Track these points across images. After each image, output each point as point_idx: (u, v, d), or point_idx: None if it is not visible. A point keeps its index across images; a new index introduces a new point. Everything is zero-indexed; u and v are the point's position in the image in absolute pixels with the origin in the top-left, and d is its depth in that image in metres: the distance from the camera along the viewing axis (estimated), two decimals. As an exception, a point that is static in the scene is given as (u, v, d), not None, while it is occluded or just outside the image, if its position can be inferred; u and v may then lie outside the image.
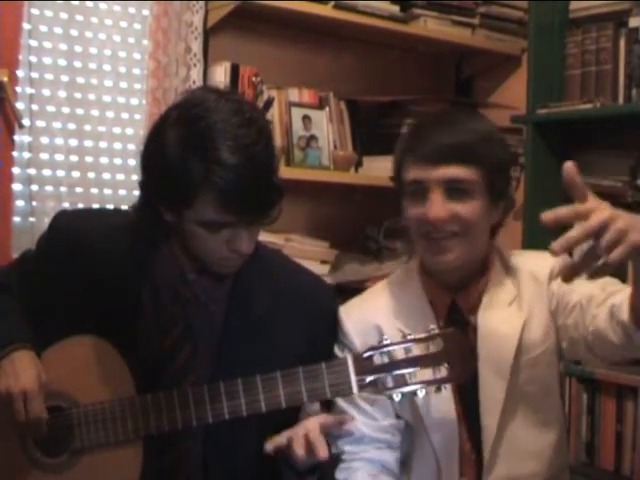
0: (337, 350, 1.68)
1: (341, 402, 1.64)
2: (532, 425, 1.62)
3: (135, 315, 1.51)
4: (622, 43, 2.41)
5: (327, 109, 2.66)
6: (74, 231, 1.57)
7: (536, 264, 1.67)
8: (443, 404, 1.58)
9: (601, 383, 2.37)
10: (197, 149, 1.36)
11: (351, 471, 1.60)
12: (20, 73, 2.20)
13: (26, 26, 2.22)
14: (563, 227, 2.78)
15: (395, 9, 2.68)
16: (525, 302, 1.63)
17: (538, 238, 2.49)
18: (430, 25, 2.76)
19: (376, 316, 1.66)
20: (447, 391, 1.55)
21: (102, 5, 2.38)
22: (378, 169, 2.69)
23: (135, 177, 2.42)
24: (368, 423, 1.62)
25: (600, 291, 1.52)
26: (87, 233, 1.56)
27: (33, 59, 2.25)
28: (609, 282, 1.55)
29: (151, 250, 1.54)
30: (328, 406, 1.62)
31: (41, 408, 1.44)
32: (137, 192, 2.40)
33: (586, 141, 2.57)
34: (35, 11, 2.26)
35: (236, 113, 1.39)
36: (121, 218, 1.62)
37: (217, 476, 1.51)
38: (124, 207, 1.59)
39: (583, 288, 1.56)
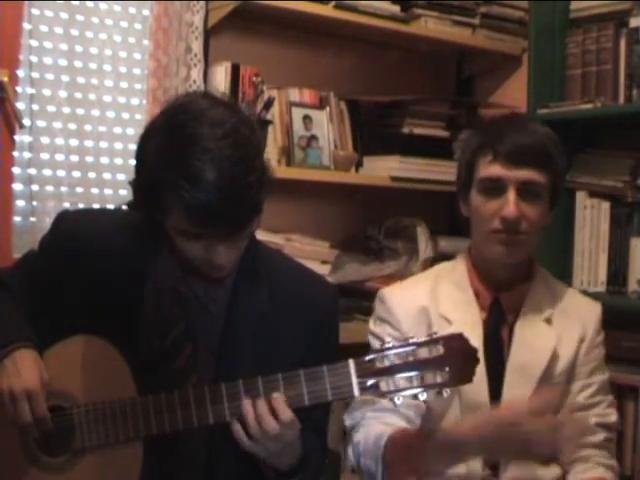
0: (374, 326, 1.73)
1: None
2: None
3: (137, 314, 1.51)
4: (623, 43, 2.41)
5: (327, 109, 2.66)
6: (75, 231, 1.57)
7: (583, 307, 1.75)
8: (480, 397, 1.61)
9: (601, 383, 2.37)
10: (171, 161, 1.34)
11: (368, 427, 1.61)
12: (21, 73, 2.20)
13: (26, 26, 2.22)
14: (563, 229, 2.78)
15: (396, 9, 2.68)
16: (559, 326, 1.69)
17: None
18: (431, 25, 2.76)
19: (422, 299, 1.70)
20: (483, 382, 1.61)
21: (103, 5, 2.38)
22: (379, 169, 2.69)
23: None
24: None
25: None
26: (88, 233, 1.55)
27: (34, 59, 2.25)
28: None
29: (152, 250, 1.53)
30: None
31: (44, 407, 1.44)
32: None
33: (587, 141, 2.57)
34: (35, 11, 2.25)
35: (220, 124, 1.36)
36: (122, 218, 1.62)
37: (224, 476, 1.50)
38: (124, 207, 1.59)
39: (599, 393, 1.71)
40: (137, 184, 1.43)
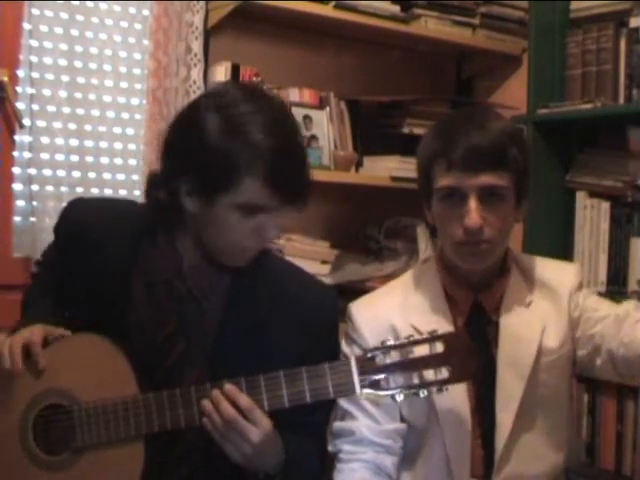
0: (344, 346, 1.69)
1: (345, 403, 1.64)
2: (542, 428, 1.64)
3: (125, 304, 1.52)
4: (623, 43, 2.41)
5: (327, 109, 2.66)
6: (78, 219, 1.61)
7: (556, 275, 1.70)
8: (458, 403, 1.59)
9: (602, 383, 2.37)
10: (240, 132, 1.40)
11: (348, 472, 1.60)
12: (21, 73, 2.20)
13: (26, 26, 2.22)
14: (563, 229, 2.78)
15: (396, 9, 2.68)
16: (541, 309, 1.66)
17: (538, 239, 2.50)
18: (431, 25, 2.76)
19: (390, 315, 1.66)
20: (462, 389, 1.58)
21: (102, 5, 2.37)
22: (378, 169, 2.69)
23: (136, 177, 2.46)
24: (371, 426, 1.62)
25: (634, 310, 1.58)
26: (89, 221, 1.58)
27: (34, 59, 2.25)
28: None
29: (149, 242, 1.55)
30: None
31: (18, 346, 1.45)
32: (138, 192, 2.43)
33: (587, 141, 2.57)
34: (35, 11, 2.25)
35: (268, 102, 1.46)
36: (129, 209, 1.67)
37: (223, 468, 1.49)
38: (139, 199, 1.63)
39: (612, 306, 1.65)
40: (191, 167, 1.44)
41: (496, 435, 1.60)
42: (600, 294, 2.37)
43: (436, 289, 1.67)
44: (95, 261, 1.54)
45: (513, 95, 2.83)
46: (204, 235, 1.49)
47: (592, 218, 2.46)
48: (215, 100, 1.46)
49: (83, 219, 1.59)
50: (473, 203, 1.54)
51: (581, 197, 2.49)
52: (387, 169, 2.67)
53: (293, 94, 2.62)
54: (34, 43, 2.25)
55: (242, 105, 1.43)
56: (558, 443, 1.67)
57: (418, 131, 2.72)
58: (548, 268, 1.73)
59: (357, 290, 2.59)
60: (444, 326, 1.59)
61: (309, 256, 2.52)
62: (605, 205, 2.44)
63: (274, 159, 1.40)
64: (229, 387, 1.40)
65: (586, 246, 2.47)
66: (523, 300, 1.66)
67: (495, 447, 1.60)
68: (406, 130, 2.71)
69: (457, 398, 1.59)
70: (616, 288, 2.39)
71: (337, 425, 1.66)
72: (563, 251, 2.52)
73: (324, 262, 2.62)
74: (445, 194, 1.58)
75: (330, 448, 1.66)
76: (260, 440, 1.40)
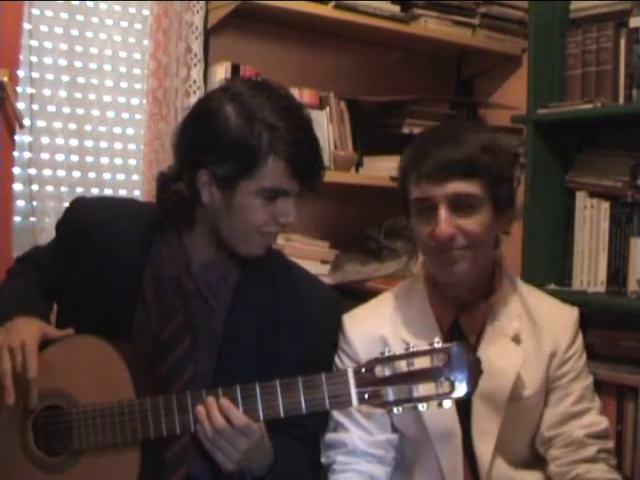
0: (337, 359, 1.67)
1: (337, 414, 1.62)
2: (520, 461, 1.64)
3: (135, 301, 1.53)
4: (622, 43, 2.41)
5: (327, 109, 2.66)
6: (82, 217, 1.62)
7: (556, 316, 1.67)
8: (448, 421, 1.58)
9: (601, 383, 2.36)
10: (258, 117, 1.45)
11: None
12: (21, 73, 2.20)
13: (27, 26, 2.22)
14: (563, 229, 2.78)
15: (396, 9, 2.68)
16: (528, 343, 1.62)
17: (538, 239, 2.50)
18: (431, 25, 2.76)
19: (381, 327, 1.65)
20: (451, 409, 1.54)
21: (103, 5, 2.38)
22: (378, 169, 2.69)
23: (136, 177, 2.46)
24: (363, 437, 1.62)
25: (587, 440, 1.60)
26: (94, 219, 1.59)
27: (34, 59, 2.26)
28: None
29: (158, 240, 1.56)
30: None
31: (31, 360, 1.43)
32: (138, 192, 2.43)
33: (587, 141, 2.57)
34: (35, 11, 2.26)
35: (276, 91, 1.52)
36: (133, 207, 1.68)
37: (220, 472, 1.48)
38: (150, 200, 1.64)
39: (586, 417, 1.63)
40: (214, 156, 1.46)
41: (479, 467, 1.59)
42: (600, 294, 2.40)
43: (424, 305, 1.65)
44: (103, 260, 1.54)
45: (513, 95, 2.84)
46: (222, 225, 1.51)
47: (592, 218, 2.46)
48: (227, 93, 1.50)
49: (87, 218, 1.60)
50: (443, 212, 1.53)
51: (581, 197, 2.49)
52: (387, 169, 2.65)
53: (293, 94, 2.60)
54: (34, 43, 2.26)
55: (253, 94, 1.48)
56: (540, 464, 1.66)
57: (418, 131, 2.72)
58: (549, 305, 1.70)
59: (357, 290, 2.59)
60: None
61: (309, 256, 2.52)
62: (605, 205, 2.44)
63: (292, 140, 1.45)
64: (223, 401, 1.39)
65: (586, 246, 2.47)
66: (509, 330, 1.62)
67: (479, 476, 1.59)
68: (406, 130, 2.71)
69: (446, 418, 1.57)
70: (616, 288, 2.39)
71: (330, 437, 1.65)
72: (563, 251, 2.52)
73: (324, 262, 2.62)
74: (418, 206, 1.58)
75: (323, 460, 1.64)
76: (248, 448, 1.40)
